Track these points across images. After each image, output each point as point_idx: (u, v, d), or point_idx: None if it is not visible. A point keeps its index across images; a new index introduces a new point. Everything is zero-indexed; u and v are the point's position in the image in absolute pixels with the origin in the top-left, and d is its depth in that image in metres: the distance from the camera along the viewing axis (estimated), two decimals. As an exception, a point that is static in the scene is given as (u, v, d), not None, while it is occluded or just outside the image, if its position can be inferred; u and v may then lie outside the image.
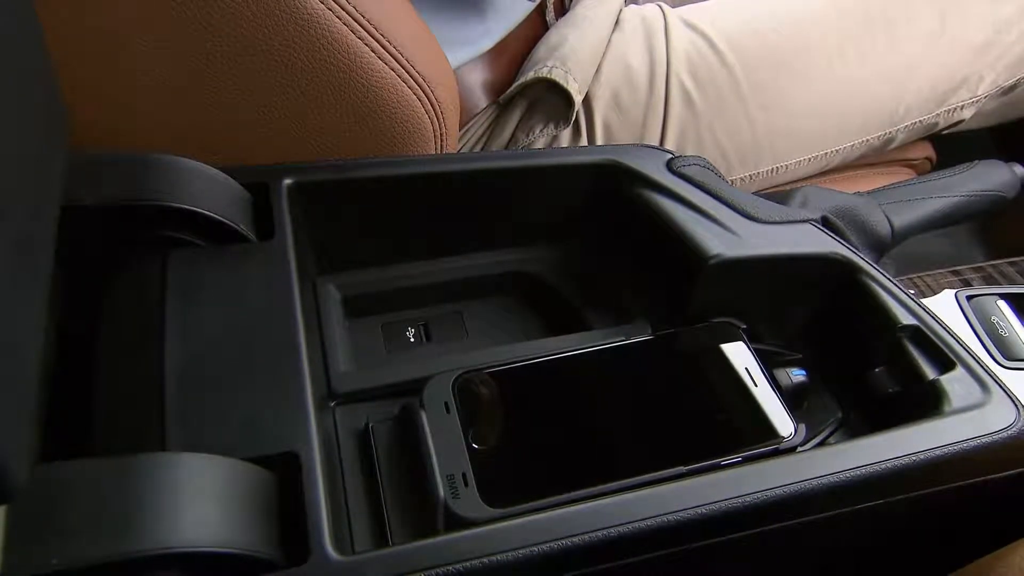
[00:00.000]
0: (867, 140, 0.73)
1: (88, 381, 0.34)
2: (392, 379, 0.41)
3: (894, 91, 0.71)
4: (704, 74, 0.68)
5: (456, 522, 0.33)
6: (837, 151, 0.72)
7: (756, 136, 0.69)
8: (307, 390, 0.34)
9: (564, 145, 0.68)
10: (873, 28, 0.70)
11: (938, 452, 0.36)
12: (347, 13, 0.43)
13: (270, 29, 0.42)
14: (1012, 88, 0.75)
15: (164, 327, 0.35)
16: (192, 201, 0.39)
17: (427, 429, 0.37)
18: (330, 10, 0.43)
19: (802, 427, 0.39)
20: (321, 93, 0.45)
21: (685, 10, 0.74)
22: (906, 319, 0.41)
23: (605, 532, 0.31)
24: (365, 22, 0.44)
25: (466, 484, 0.35)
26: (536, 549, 0.30)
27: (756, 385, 0.40)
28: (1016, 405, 0.38)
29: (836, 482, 0.34)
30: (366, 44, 0.45)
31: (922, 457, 0.35)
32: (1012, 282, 0.53)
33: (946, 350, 0.40)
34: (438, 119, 0.50)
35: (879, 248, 0.51)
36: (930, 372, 0.40)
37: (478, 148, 0.69)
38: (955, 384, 0.39)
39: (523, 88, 0.67)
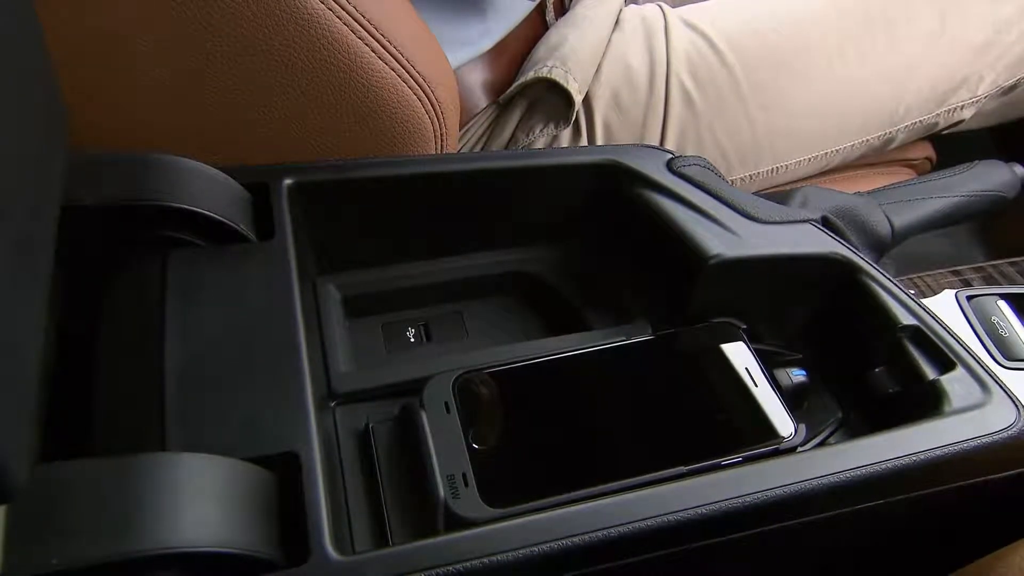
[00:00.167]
0: (867, 140, 0.73)
1: (88, 381, 0.34)
2: (392, 379, 0.41)
3: (894, 91, 0.71)
4: (704, 74, 0.68)
5: (456, 522, 0.33)
6: (837, 151, 0.72)
7: (756, 136, 0.69)
8: (307, 390, 0.34)
9: (564, 145, 0.68)
10: (873, 28, 0.70)
11: (938, 452, 0.36)
12: (347, 13, 0.43)
13: (270, 29, 0.42)
14: (1012, 88, 0.75)
15: (164, 327, 0.35)
16: (192, 201, 0.39)
17: (427, 429, 0.37)
18: (330, 10, 0.43)
19: (802, 427, 0.39)
20: (321, 93, 0.45)
21: (685, 10, 0.74)
22: (906, 319, 0.41)
23: (605, 532, 0.31)
24: (365, 22, 0.44)
25: (466, 484, 0.35)
26: (536, 549, 0.30)
27: (756, 385, 0.40)
28: (1016, 405, 0.38)
29: (836, 482, 0.34)
30: (366, 44, 0.45)
31: (922, 457, 0.35)
32: (1012, 282, 0.53)
33: (946, 350, 0.40)
34: (438, 119, 0.50)
35: (879, 248, 0.51)
36: (930, 372, 0.40)
37: (478, 148, 0.69)
38: (955, 384, 0.39)
39: (523, 88, 0.67)
